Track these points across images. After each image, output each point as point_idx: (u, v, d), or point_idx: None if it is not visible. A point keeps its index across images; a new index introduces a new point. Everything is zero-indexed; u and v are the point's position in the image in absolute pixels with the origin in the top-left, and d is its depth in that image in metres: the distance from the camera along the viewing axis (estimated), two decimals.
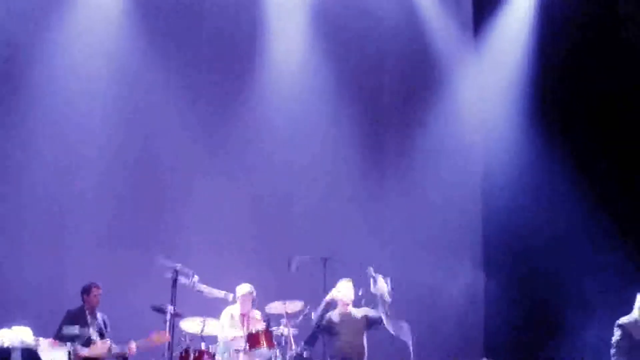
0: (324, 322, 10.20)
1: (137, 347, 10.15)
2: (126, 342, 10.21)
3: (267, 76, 13.32)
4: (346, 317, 10.27)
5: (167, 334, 10.09)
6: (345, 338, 10.17)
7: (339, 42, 13.56)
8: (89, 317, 10.53)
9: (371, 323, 10.30)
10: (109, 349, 10.16)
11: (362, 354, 10.24)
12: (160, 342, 10.18)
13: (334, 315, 10.26)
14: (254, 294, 10.95)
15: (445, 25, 13.88)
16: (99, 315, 10.67)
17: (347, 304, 10.29)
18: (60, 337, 9.92)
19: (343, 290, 10.29)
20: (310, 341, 10.78)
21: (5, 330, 9.63)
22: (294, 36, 13.47)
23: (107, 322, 10.65)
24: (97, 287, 10.71)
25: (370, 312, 10.30)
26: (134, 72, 12.66)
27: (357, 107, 13.66)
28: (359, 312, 10.36)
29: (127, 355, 10.20)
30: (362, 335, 10.28)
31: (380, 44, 13.64)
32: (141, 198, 12.59)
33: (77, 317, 10.44)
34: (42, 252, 11.83)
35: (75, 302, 10.64)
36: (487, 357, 11.90)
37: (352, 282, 10.38)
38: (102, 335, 10.39)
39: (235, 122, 13.04)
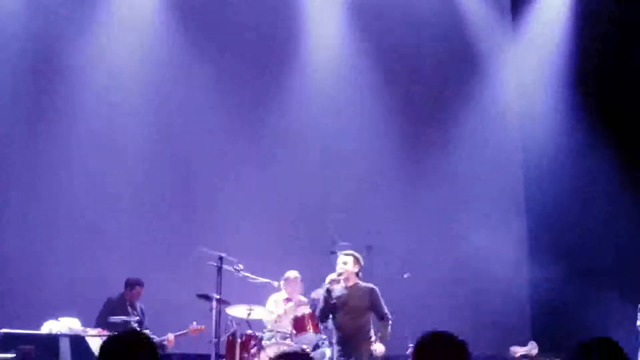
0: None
1: (176, 338, 10.29)
2: (164, 334, 10.41)
3: (304, 70, 13.36)
4: (348, 292, 9.24)
5: (202, 326, 10.40)
6: (343, 317, 9.22)
7: (375, 33, 13.57)
8: (129, 307, 10.66)
9: (373, 307, 9.29)
10: None
11: (362, 333, 9.16)
12: (196, 332, 10.45)
13: (337, 289, 9.27)
14: (300, 279, 10.95)
15: (482, 12, 13.86)
16: (137, 304, 10.79)
17: (347, 278, 9.24)
18: (107, 326, 9.99)
19: (339, 264, 9.30)
20: None
21: (52, 322, 9.72)
22: (330, 30, 13.52)
23: (145, 312, 10.75)
24: (142, 285, 10.90)
25: (379, 301, 9.27)
26: (170, 72, 12.76)
27: (395, 97, 13.63)
28: (365, 287, 9.30)
29: (165, 346, 10.29)
30: (364, 314, 9.23)
31: (417, 33, 13.61)
32: (183, 193, 12.67)
33: (118, 306, 10.58)
34: (85, 248, 11.88)
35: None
36: (534, 340, 11.80)
37: (352, 255, 9.37)
38: (141, 324, 10.44)
39: (274, 117, 13.07)
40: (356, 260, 9.36)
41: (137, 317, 10.42)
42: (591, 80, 13.09)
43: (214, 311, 9.94)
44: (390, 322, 9.34)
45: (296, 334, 10.02)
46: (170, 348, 10.64)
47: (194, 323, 10.62)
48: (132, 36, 12.63)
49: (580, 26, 13.21)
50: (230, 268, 10.21)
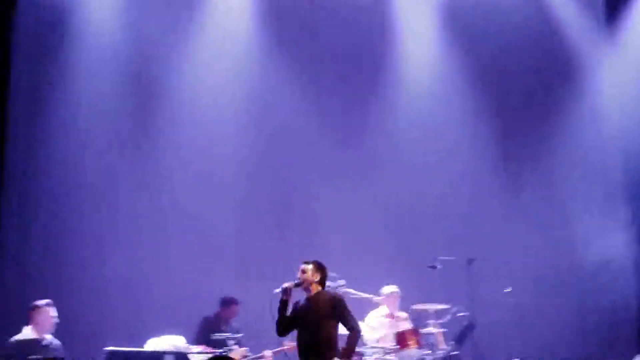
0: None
1: (273, 354, 10.25)
2: (260, 351, 10.33)
3: (397, 77, 13.28)
4: (308, 303, 8.47)
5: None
6: (304, 329, 8.40)
7: (468, 40, 13.39)
8: (225, 325, 10.70)
9: (336, 316, 8.37)
10: (246, 357, 10.18)
11: (323, 347, 8.23)
12: (291, 350, 10.31)
13: (301, 301, 8.57)
14: (400, 293, 10.86)
15: (576, 16, 13.56)
16: (233, 322, 10.83)
17: (306, 287, 8.47)
18: (210, 343, 10.07)
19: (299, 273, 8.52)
20: (460, 340, 10.63)
21: (156, 339, 9.84)
22: (424, 36, 13.40)
23: (240, 330, 10.73)
24: (237, 303, 10.95)
25: (344, 310, 8.37)
26: (264, 84, 12.80)
27: (490, 104, 13.38)
28: (327, 295, 8.49)
29: None
30: (325, 325, 8.30)
31: (511, 40, 13.34)
32: (279, 207, 12.70)
33: (214, 324, 10.64)
34: (186, 265, 11.97)
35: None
36: None
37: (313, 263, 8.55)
38: (239, 343, 10.40)
39: (368, 125, 13.01)
40: (317, 267, 8.52)
41: (239, 334, 10.45)
42: None
43: None
44: (359, 334, 8.55)
45: (400, 349, 9.95)
46: None
47: (287, 340, 10.58)
48: (228, 56, 12.77)
49: None
50: (331, 284, 10.14)
